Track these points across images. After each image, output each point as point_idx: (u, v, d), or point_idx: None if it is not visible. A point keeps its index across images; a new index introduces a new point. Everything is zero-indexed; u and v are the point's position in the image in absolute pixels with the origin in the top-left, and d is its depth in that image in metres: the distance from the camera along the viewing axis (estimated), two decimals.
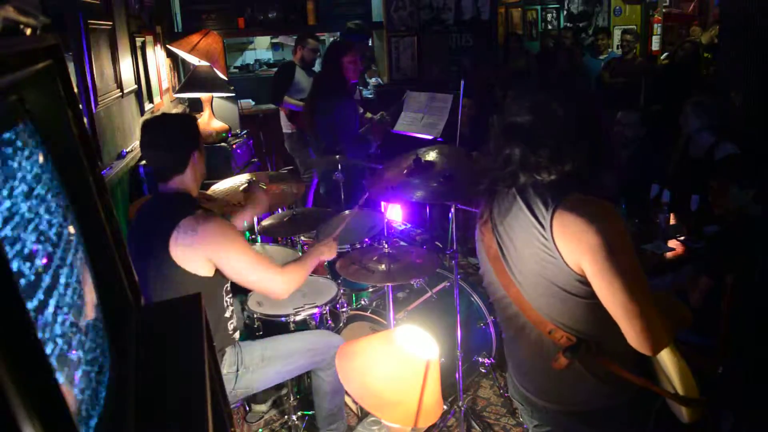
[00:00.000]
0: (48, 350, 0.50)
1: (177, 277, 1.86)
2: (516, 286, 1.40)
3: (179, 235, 1.83)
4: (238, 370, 2.08)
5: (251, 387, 2.15)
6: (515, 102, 1.40)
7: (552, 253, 1.30)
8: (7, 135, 0.54)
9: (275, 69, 7.31)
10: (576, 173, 1.32)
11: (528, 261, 1.35)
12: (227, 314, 2.07)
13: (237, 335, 2.17)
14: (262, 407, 2.85)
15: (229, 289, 2.09)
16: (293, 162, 5.32)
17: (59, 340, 0.54)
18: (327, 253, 2.21)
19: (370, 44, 5.73)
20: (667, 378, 1.41)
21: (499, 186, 1.42)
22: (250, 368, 2.11)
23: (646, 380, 1.41)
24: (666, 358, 1.38)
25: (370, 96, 6.14)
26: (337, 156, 3.21)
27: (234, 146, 4.17)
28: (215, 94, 4.56)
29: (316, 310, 2.50)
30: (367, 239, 2.88)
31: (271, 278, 1.98)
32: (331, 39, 7.61)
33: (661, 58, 7.82)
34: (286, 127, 5.18)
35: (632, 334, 1.27)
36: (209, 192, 2.83)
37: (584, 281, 1.30)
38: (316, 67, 5.17)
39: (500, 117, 1.44)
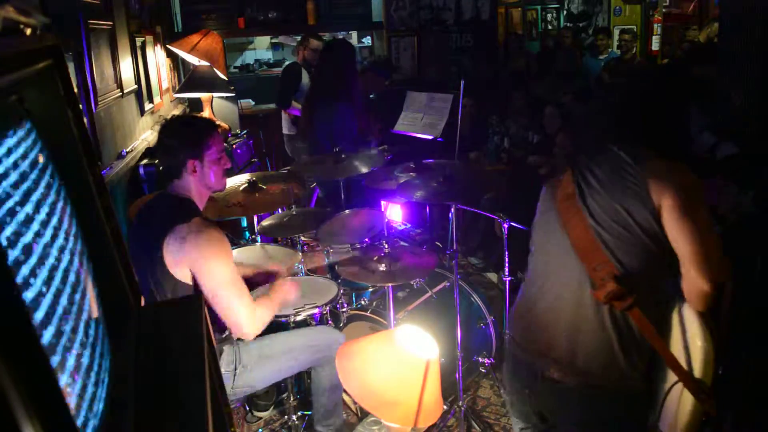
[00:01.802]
0: (47, 350, 0.50)
1: (168, 281, 1.85)
2: (582, 216, 1.50)
3: (171, 240, 1.82)
4: (236, 369, 2.08)
5: (250, 385, 2.15)
6: (617, 85, 1.61)
7: (638, 184, 1.45)
8: (6, 135, 0.54)
9: (275, 69, 7.34)
10: (659, 152, 1.52)
11: (610, 190, 1.49)
12: None
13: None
14: (265, 414, 2.85)
15: None
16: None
17: (59, 341, 0.54)
18: (291, 294, 2.13)
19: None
20: (684, 360, 1.43)
21: (593, 143, 1.63)
22: (249, 366, 2.10)
23: (665, 347, 1.44)
24: (700, 335, 1.41)
25: (370, 96, 6.14)
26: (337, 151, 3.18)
27: (234, 146, 4.17)
28: (215, 94, 4.57)
29: (316, 310, 2.50)
30: (367, 239, 2.88)
31: (245, 313, 1.88)
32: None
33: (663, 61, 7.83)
34: (287, 128, 5.16)
35: (693, 265, 1.38)
36: None
37: (656, 217, 1.42)
38: None
39: (602, 94, 1.66)
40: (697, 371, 1.40)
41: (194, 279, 1.85)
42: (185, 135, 1.97)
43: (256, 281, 2.30)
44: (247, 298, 1.91)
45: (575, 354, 1.50)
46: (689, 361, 1.43)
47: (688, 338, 1.45)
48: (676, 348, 1.47)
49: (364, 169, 3.09)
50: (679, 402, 1.43)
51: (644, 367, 1.48)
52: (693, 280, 1.39)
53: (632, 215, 1.44)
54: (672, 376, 1.45)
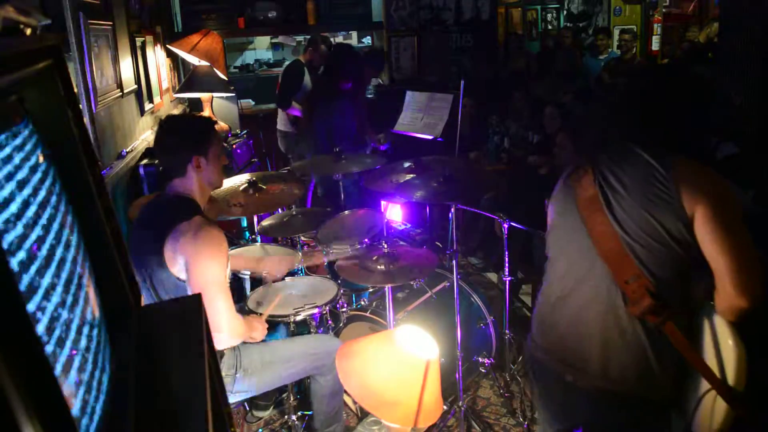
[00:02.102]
0: (48, 350, 0.50)
1: (168, 280, 1.86)
2: (608, 224, 1.43)
3: (170, 238, 1.82)
4: (236, 373, 2.07)
5: (250, 390, 2.15)
6: (638, 72, 1.55)
7: (669, 193, 1.37)
8: (6, 135, 0.54)
9: (275, 69, 7.34)
10: (683, 141, 1.47)
11: (637, 197, 1.41)
12: None
13: None
14: (265, 414, 2.85)
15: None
16: (291, 162, 5.32)
17: (59, 341, 0.54)
18: (259, 332, 2.08)
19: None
20: (717, 368, 1.40)
21: (609, 142, 1.53)
22: (249, 371, 2.10)
23: (700, 359, 1.40)
24: (731, 342, 1.38)
25: (370, 96, 6.15)
26: (337, 154, 3.19)
27: (234, 146, 4.17)
28: (215, 94, 4.57)
29: (315, 311, 2.50)
30: (367, 239, 2.88)
31: (227, 318, 1.87)
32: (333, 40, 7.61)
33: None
34: (282, 125, 5.16)
35: (727, 279, 1.31)
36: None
37: (689, 226, 1.35)
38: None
39: (623, 83, 1.59)
40: (731, 378, 1.37)
41: (188, 273, 1.83)
42: (189, 132, 1.98)
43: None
44: (231, 304, 1.90)
45: (608, 363, 1.46)
46: (722, 366, 1.39)
47: (720, 340, 1.41)
48: (709, 354, 1.43)
49: (363, 167, 3.09)
50: (713, 407, 1.40)
51: (676, 374, 1.45)
52: (729, 296, 1.32)
53: (663, 225, 1.37)
54: (705, 383, 1.42)
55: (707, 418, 1.41)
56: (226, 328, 1.88)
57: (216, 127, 2.08)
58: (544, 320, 1.64)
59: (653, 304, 1.36)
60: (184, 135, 1.96)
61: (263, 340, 2.32)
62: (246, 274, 2.70)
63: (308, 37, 5.85)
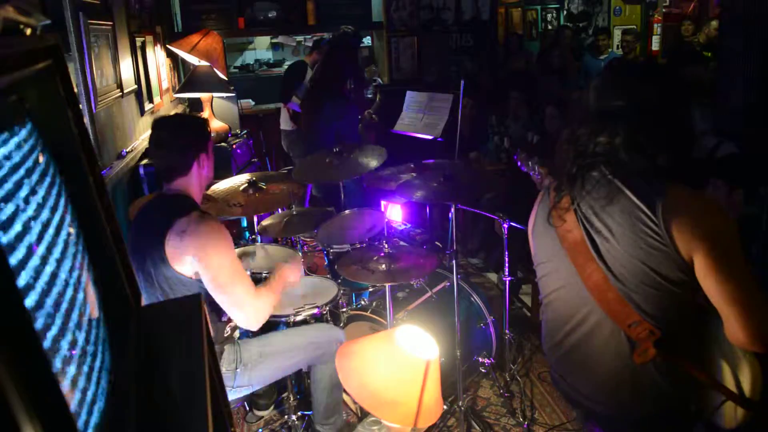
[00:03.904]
0: (47, 350, 0.50)
1: (172, 277, 1.86)
2: (602, 274, 1.37)
3: (171, 235, 1.83)
4: (237, 368, 2.08)
5: (251, 384, 2.15)
6: (611, 87, 1.41)
7: (663, 241, 1.29)
8: (7, 135, 0.54)
9: (275, 69, 7.35)
10: (668, 163, 1.35)
11: (629, 247, 1.33)
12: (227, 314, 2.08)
13: (236, 334, 2.17)
14: (265, 413, 2.85)
15: None
16: (293, 161, 5.34)
17: (59, 340, 0.54)
18: (293, 275, 2.15)
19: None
20: (731, 381, 1.39)
21: (590, 171, 1.41)
22: (249, 365, 2.10)
23: (714, 379, 1.38)
24: (745, 359, 1.36)
25: (370, 96, 6.15)
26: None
27: (234, 146, 4.17)
28: (215, 94, 4.56)
29: (315, 311, 2.50)
30: (367, 239, 2.88)
31: (247, 302, 1.90)
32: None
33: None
34: (285, 124, 5.19)
35: (737, 327, 1.26)
36: (209, 192, 2.83)
37: (687, 271, 1.30)
38: None
39: (594, 101, 1.42)
40: (747, 390, 1.34)
41: (198, 269, 1.85)
42: (197, 131, 2.02)
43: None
44: (249, 287, 1.92)
45: (621, 397, 1.44)
46: (737, 379, 1.37)
47: (731, 354, 1.38)
48: (723, 369, 1.40)
49: (364, 170, 3.09)
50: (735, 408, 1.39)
51: (691, 387, 1.42)
52: (740, 343, 1.27)
53: (661, 274, 1.30)
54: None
55: (731, 412, 1.41)
56: (249, 312, 1.90)
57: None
58: (552, 350, 1.61)
59: (658, 353, 1.33)
60: (193, 134, 2.00)
61: (262, 334, 2.33)
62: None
63: (308, 37, 5.86)
